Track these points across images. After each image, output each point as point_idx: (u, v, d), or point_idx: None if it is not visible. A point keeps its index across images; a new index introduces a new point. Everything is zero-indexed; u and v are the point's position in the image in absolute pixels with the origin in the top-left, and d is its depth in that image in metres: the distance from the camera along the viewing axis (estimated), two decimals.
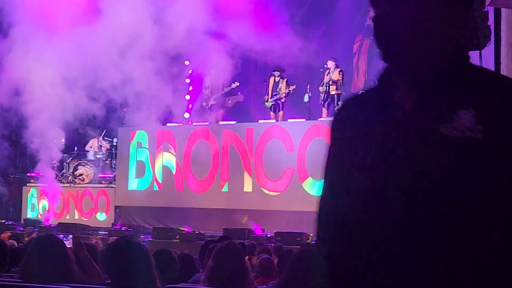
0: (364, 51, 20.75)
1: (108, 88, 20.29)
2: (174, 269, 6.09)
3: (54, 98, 19.75)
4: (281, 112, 18.26)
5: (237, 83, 19.21)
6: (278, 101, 18.24)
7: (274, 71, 18.42)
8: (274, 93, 18.30)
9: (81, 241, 5.92)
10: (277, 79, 18.33)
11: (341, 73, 17.83)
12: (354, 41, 20.94)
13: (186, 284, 5.46)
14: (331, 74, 17.63)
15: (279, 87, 18.23)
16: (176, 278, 5.88)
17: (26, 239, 13.52)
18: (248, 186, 17.83)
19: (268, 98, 18.39)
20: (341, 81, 17.82)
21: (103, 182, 20.06)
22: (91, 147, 20.55)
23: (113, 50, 19.37)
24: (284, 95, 18.14)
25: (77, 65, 19.14)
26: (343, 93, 17.67)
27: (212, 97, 19.34)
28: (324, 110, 17.78)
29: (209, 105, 19.49)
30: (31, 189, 20.72)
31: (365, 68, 20.89)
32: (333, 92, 17.58)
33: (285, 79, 18.27)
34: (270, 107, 18.39)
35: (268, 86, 18.48)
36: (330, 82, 17.56)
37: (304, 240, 14.13)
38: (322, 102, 17.75)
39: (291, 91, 18.12)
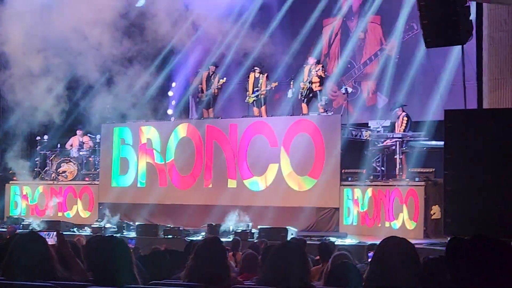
0: (335, 33, 20.83)
1: (90, 85, 20.28)
2: (167, 267, 6.09)
3: (36, 93, 19.73)
4: (263, 107, 18.31)
5: (224, 79, 19.25)
6: (260, 97, 18.28)
7: (254, 67, 18.49)
8: (255, 89, 18.34)
9: (65, 238, 5.90)
10: (257, 74, 18.40)
11: (323, 69, 17.88)
12: (322, 24, 20.98)
13: (169, 280, 5.45)
14: (313, 70, 17.65)
15: (260, 82, 18.29)
16: (166, 275, 5.90)
17: (8, 237, 13.45)
18: (232, 182, 17.83)
19: (249, 94, 18.43)
20: (324, 77, 17.87)
21: (87, 179, 20.00)
22: (71, 145, 20.46)
23: (95, 45, 19.35)
24: (264, 91, 18.18)
25: (59, 60, 19.10)
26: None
27: (205, 92, 19.31)
28: (304, 106, 17.80)
29: (201, 101, 19.48)
30: (14, 186, 20.61)
31: (337, 52, 20.95)
32: (316, 89, 17.61)
33: (265, 74, 18.34)
34: (252, 102, 18.43)
35: (248, 82, 18.55)
36: (316, 79, 17.57)
37: (288, 235, 14.14)
38: (303, 98, 17.77)
39: (273, 88, 18.17)
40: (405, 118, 16.26)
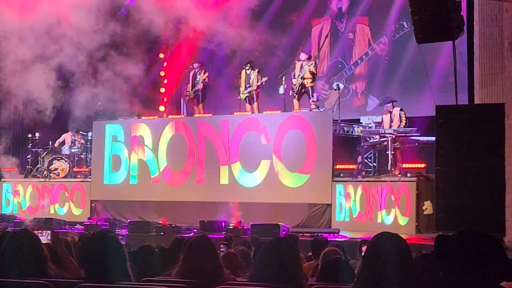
0: (325, 34, 20.85)
1: (81, 81, 20.26)
2: (157, 264, 6.09)
3: (26, 90, 19.68)
4: (255, 104, 18.31)
5: (207, 74, 19.27)
6: (252, 93, 18.28)
7: (245, 64, 18.49)
8: (247, 85, 18.35)
9: (59, 236, 5.90)
10: (248, 71, 18.39)
11: (315, 65, 17.88)
12: (311, 24, 21.04)
13: (162, 277, 5.45)
14: (305, 66, 17.64)
15: (251, 79, 18.29)
16: (158, 272, 5.89)
17: None
18: (224, 179, 17.83)
19: (241, 91, 18.43)
20: (315, 73, 17.89)
21: (79, 176, 19.96)
22: (61, 143, 20.41)
23: (85, 42, 19.33)
24: (256, 86, 18.19)
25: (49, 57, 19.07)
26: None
27: (193, 90, 19.31)
28: (296, 102, 17.80)
29: (190, 98, 19.48)
30: (5, 184, 20.57)
31: (327, 52, 20.98)
32: (308, 85, 17.61)
33: (256, 70, 18.34)
34: (245, 99, 18.43)
35: (240, 79, 18.54)
36: (308, 74, 17.56)
37: (281, 232, 14.16)
38: (294, 94, 17.77)
39: (264, 83, 18.16)
40: (403, 113, 16.22)
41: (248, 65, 18.47)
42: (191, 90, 19.31)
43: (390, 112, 16.41)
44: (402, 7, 18.77)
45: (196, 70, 19.39)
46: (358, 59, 20.32)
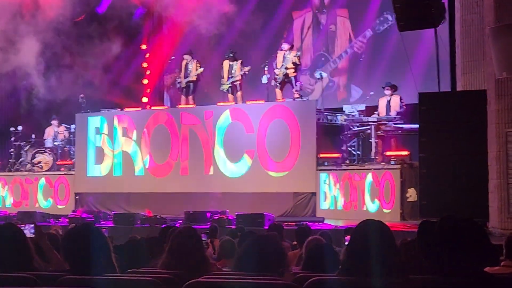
0: (307, 25, 20.86)
1: (63, 74, 20.21)
2: (144, 257, 6.09)
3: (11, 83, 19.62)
4: (239, 93, 18.29)
5: (202, 69, 19.18)
6: (235, 83, 18.25)
7: (228, 54, 18.44)
8: (229, 76, 18.31)
9: (42, 230, 5.88)
10: (231, 62, 18.35)
11: (298, 55, 17.87)
12: (293, 17, 21.05)
13: (147, 268, 5.45)
14: (288, 56, 17.63)
15: (234, 69, 18.25)
16: (144, 263, 5.89)
17: None
18: (208, 169, 17.82)
19: (224, 81, 18.38)
20: (299, 63, 17.87)
21: (62, 169, 19.88)
22: (48, 135, 20.33)
23: (66, 32, 19.28)
24: (239, 76, 18.16)
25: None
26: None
27: (185, 80, 19.23)
28: (279, 92, 17.79)
29: (181, 87, 19.39)
30: None
31: (310, 44, 20.99)
32: (291, 75, 17.59)
33: (239, 61, 18.30)
34: (227, 89, 18.39)
35: (223, 69, 18.49)
36: (291, 65, 17.54)
37: (266, 221, 14.18)
38: (277, 84, 17.75)
39: (247, 72, 18.14)
40: (403, 102, 16.17)
41: (231, 55, 18.43)
42: (184, 79, 19.12)
43: (389, 100, 16.29)
44: None
45: (189, 61, 19.18)
46: (342, 53, 20.32)
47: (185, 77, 19.14)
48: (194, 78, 19.02)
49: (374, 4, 19.36)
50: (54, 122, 20.28)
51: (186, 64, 19.24)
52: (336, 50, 20.46)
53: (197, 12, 19.11)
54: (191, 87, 19.13)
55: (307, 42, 20.94)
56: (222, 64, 18.62)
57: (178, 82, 19.48)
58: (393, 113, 16.08)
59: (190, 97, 19.18)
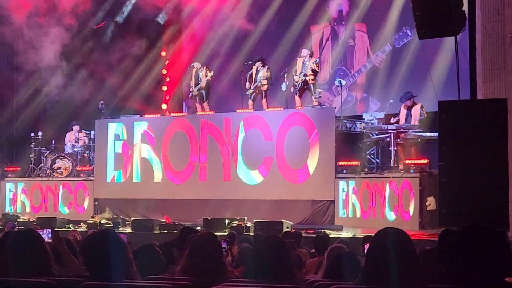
0: (326, 38, 20.81)
1: (84, 80, 20.34)
2: (159, 263, 6.08)
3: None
4: (264, 100, 18.24)
5: (212, 73, 19.22)
6: (261, 89, 18.20)
7: (256, 61, 18.36)
8: (255, 82, 18.27)
9: (60, 235, 5.90)
10: (259, 68, 18.29)
11: (317, 62, 17.83)
12: (311, 31, 21.03)
13: (166, 274, 5.45)
14: (307, 63, 17.61)
15: (260, 75, 18.19)
16: (161, 270, 5.88)
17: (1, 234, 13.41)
18: (227, 176, 17.82)
19: (250, 86, 18.33)
20: (318, 71, 17.85)
21: (82, 175, 19.97)
22: (69, 141, 20.44)
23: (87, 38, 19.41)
24: (265, 82, 18.10)
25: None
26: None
27: (196, 88, 19.28)
28: (298, 99, 17.77)
29: (193, 95, 19.45)
30: (8, 183, 20.58)
31: (328, 58, 20.95)
32: (310, 82, 17.57)
33: (266, 67, 18.26)
34: (251, 95, 18.35)
35: (249, 76, 18.45)
36: (310, 72, 17.52)
37: (283, 228, 14.15)
38: (296, 91, 17.73)
39: (271, 78, 18.13)
40: (424, 110, 16.08)
41: (260, 62, 18.35)
42: (195, 87, 19.27)
43: (409, 107, 16.24)
44: (401, 12, 18.75)
45: (198, 68, 19.37)
46: (361, 67, 20.25)
47: (196, 84, 19.20)
48: (204, 85, 19.06)
49: (392, 19, 19.30)
50: (75, 128, 20.36)
51: (196, 72, 19.31)
52: (355, 65, 20.40)
53: (216, 22, 19.23)
54: (203, 93, 19.16)
55: (325, 56, 20.88)
56: (245, 70, 18.55)
57: (190, 91, 19.56)
58: (413, 122, 16.02)
59: (205, 104, 19.20)
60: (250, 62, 18.49)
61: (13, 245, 5.03)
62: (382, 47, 19.70)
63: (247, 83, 18.44)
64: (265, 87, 18.18)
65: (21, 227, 15.43)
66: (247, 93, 18.39)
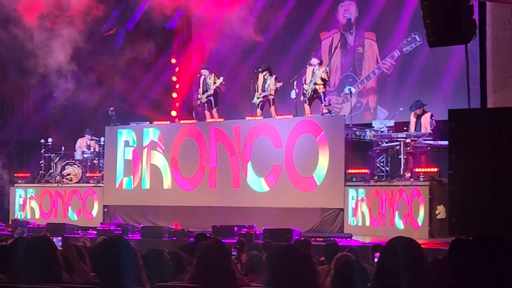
0: (335, 45, 20.80)
1: (94, 86, 20.39)
2: (167, 268, 6.07)
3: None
4: (272, 107, 18.22)
5: (221, 79, 19.22)
6: (269, 98, 18.19)
7: (264, 69, 18.35)
8: (263, 90, 18.26)
9: (70, 242, 5.91)
10: (265, 76, 18.29)
11: (326, 71, 17.83)
12: (320, 38, 21.03)
13: (175, 282, 5.44)
14: (317, 72, 17.61)
15: (267, 83, 18.19)
16: (170, 276, 5.88)
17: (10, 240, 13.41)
18: (236, 184, 17.82)
19: (257, 95, 18.33)
20: (327, 79, 17.85)
21: (91, 181, 20.00)
22: (80, 147, 20.48)
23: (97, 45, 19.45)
24: (273, 91, 18.11)
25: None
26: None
27: (205, 95, 19.30)
28: (307, 107, 17.75)
29: (202, 102, 19.47)
30: (18, 189, 20.63)
31: (338, 65, 20.93)
32: (320, 90, 17.57)
33: (274, 76, 18.24)
34: (258, 104, 18.35)
35: (256, 84, 18.45)
36: (319, 81, 17.52)
37: (293, 236, 14.13)
38: (306, 100, 17.72)
39: (278, 88, 18.13)
40: (433, 120, 16.04)
41: (267, 70, 18.35)
42: (203, 95, 19.30)
43: (419, 116, 16.20)
44: (410, 20, 18.74)
45: (206, 76, 19.38)
46: (370, 73, 20.24)
47: (204, 92, 19.22)
48: (212, 92, 19.06)
49: (401, 27, 19.28)
50: (87, 136, 20.38)
51: (204, 79, 19.33)
52: (364, 72, 20.39)
53: (226, 30, 19.25)
54: (212, 100, 19.17)
55: (335, 62, 20.85)
56: (256, 77, 18.53)
57: (199, 99, 19.57)
58: (423, 131, 15.98)
59: (214, 110, 19.21)
60: (266, 70, 18.37)
61: (25, 251, 5.03)
62: (391, 53, 19.71)
63: (255, 92, 18.42)
64: (273, 96, 18.18)
65: (31, 233, 15.44)
66: (252, 101, 18.38)
